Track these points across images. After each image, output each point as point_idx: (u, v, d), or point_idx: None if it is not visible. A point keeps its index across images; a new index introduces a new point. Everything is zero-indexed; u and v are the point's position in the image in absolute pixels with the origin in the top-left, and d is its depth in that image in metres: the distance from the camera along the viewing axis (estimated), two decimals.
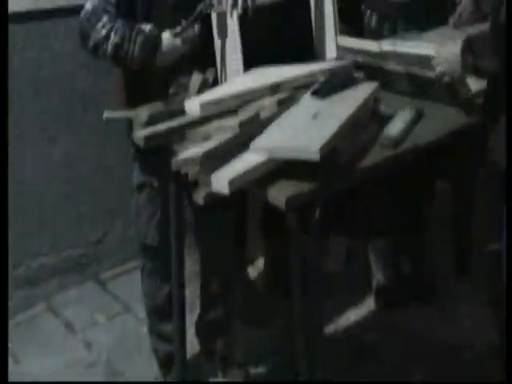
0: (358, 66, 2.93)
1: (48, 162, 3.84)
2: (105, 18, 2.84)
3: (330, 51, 3.07)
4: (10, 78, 3.52)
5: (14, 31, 3.59)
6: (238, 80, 2.77)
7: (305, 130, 2.36)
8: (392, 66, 2.90)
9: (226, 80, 2.88)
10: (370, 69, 2.92)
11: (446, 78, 2.68)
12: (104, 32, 2.82)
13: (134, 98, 2.99)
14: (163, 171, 2.81)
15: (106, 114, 2.82)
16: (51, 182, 3.87)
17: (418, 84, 2.83)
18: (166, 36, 2.83)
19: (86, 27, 2.88)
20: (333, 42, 3.05)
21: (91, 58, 3.74)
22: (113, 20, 2.83)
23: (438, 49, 2.71)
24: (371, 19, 3.46)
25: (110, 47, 2.83)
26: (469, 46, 2.59)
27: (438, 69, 2.68)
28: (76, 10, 3.64)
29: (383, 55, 2.93)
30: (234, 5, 2.85)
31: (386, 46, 2.94)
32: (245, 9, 2.85)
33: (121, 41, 2.81)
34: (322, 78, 2.66)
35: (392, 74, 2.89)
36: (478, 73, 2.63)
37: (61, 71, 3.79)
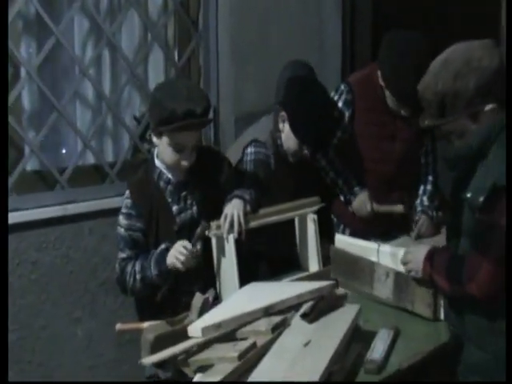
0: None
1: (72, 341, 3.26)
2: (129, 268, 2.50)
3: (313, 265, 2.58)
4: (43, 281, 3.08)
5: (48, 232, 3.13)
6: (234, 298, 2.26)
7: (300, 359, 1.86)
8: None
9: (223, 294, 2.38)
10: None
11: (413, 274, 2.23)
12: (132, 280, 2.50)
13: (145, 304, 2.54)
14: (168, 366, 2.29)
15: (119, 327, 2.30)
16: (75, 358, 3.27)
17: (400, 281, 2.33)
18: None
19: (120, 282, 2.58)
20: (315, 258, 2.56)
21: (111, 252, 3.33)
22: (133, 265, 2.50)
23: (409, 249, 2.27)
24: (344, 232, 2.99)
25: (139, 285, 2.49)
26: (430, 258, 2.12)
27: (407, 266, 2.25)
28: (97, 214, 3.27)
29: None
30: (230, 229, 2.38)
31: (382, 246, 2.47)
32: (239, 232, 2.39)
33: (142, 273, 2.47)
34: (309, 301, 2.14)
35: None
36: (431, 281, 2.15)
37: (87, 264, 3.26)
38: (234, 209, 2.43)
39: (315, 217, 2.55)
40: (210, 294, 2.26)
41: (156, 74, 3.65)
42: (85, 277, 3.27)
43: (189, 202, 2.52)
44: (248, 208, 2.49)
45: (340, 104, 2.94)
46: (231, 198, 2.50)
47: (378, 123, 2.93)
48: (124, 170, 3.39)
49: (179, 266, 2.36)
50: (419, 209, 2.99)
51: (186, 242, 2.38)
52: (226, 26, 3.57)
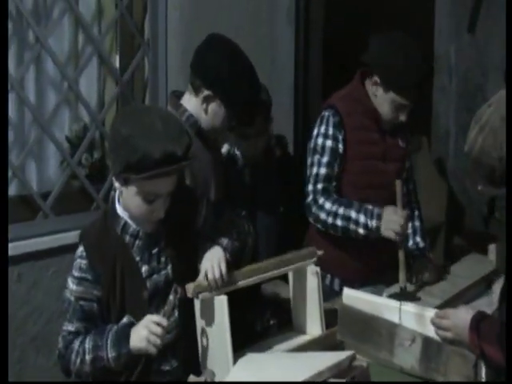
0: None
1: None
2: (76, 344, 1.96)
3: (314, 327, 2.17)
4: None
5: None
6: (236, 379, 1.83)
7: None
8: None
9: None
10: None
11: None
12: (78, 361, 1.96)
13: None
14: None
15: None
16: None
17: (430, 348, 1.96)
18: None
19: (63, 360, 2.01)
20: (317, 318, 2.16)
21: (43, 302, 2.82)
22: (82, 341, 1.96)
23: (444, 313, 1.93)
24: (333, 283, 2.62)
25: (88, 367, 1.95)
26: (476, 327, 1.80)
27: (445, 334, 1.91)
28: (27, 256, 2.75)
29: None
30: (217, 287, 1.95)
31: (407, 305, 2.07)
32: None
33: (94, 353, 1.93)
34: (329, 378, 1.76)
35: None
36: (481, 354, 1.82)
37: (14, 315, 2.72)
38: (214, 261, 1.97)
39: (318, 269, 2.16)
40: (207, 376, 1.81)
41: (89, 88, 3.15)
42: (12, 331, 2.71)
43: (162, 259, 2.01)
44: (227, 256, 2.02)
45: (330, 130, 2.55)
46: (207, 246, 2.05)
47: (369, 141, 2.60)
48: (59, 202, 2.89)
49: (153, 350, 1.85)
50: (417, 253, 2.66)
51: (158, 317, 1.87)
52: (176, 34, 3.13)
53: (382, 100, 2.55)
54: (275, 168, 2.84)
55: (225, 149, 2.76)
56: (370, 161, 2.60)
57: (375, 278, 2.57)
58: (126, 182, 1.90)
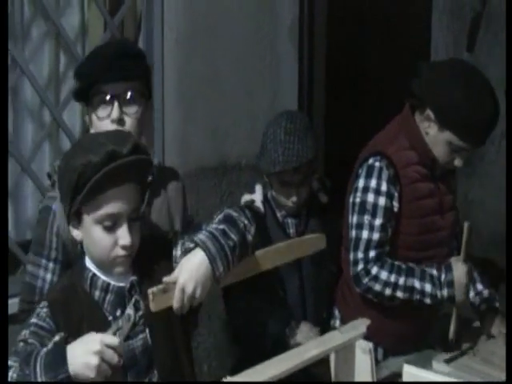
0: None
1: None
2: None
3: None
4: None
5: None
6: None
7: None
8: None
9: None
10: None
11: None
12: None
13: None
14: None
15: None
16: None
17: None
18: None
19: None
20: None
21: None
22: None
23: None
24: (376, 353, 2.23)
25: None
26: None
27: None
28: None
29: None
30: None
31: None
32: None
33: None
34: None
35: None
36: None
37: None
38: (187, 273, 1.61)
39: (371, 345, 1.80)
40: None
41: (72, 116, 2.78)
42: None
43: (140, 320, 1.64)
44: (220, 269, 1.64)
45: (383, 186, 2.11)
46: (187, 248, 1.69)
47: (426, 194, 2.19)
48: None
49: (91, 374, 1.44)
50: (483, 306, 2.25)
51: (112, 339, 1.48)
52: (173, 55, 2.77)
53: (436, 140, 2.13)
54: (321, 217, 2.41)
55: (258, 192, 2.38)
56: (427, 218, 2.20)
57: (420, 341, 2.23)
58: (79, 218, 1.61)
